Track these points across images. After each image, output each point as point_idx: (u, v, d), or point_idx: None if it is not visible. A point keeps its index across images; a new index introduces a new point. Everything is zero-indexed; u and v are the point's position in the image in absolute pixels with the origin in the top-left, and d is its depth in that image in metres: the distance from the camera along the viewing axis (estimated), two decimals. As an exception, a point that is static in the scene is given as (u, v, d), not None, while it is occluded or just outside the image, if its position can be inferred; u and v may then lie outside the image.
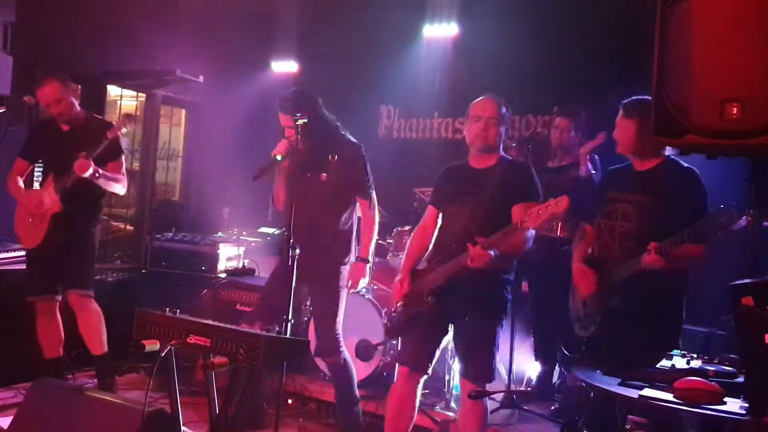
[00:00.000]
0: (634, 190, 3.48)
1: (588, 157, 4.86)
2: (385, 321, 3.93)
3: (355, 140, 4.21)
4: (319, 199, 4.08)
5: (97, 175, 4.51)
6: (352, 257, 4.24)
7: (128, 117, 4.84)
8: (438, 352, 3.77)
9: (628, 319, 3.37)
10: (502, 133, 3.70)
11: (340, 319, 4.17)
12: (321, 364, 4.86)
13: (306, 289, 4.27)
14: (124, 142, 4.92)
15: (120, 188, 4.78)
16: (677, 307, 3.45)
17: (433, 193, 3.94)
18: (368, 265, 4.23)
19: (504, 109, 3.70)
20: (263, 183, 4.65)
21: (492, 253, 3.32)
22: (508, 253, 3.45)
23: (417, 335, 3.75)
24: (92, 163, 4.45)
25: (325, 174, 4.09)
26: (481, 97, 3.74)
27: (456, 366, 4.57)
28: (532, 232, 3.47)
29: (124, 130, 4.64)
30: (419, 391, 3.79)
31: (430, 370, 3.76)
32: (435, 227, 3.85)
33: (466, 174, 3.75)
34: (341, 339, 4.18)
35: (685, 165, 3.42)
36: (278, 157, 3.91)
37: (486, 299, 3.59)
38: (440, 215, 3.84)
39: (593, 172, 4.83)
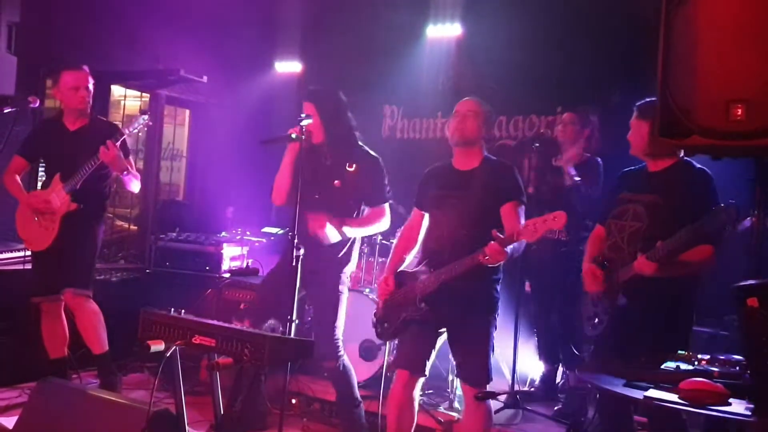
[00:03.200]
0: (646, 191, 3.47)
1: (574, 164, 4.86)
2: (374, 323, 3.92)
3: (374, 153, 4.19)
4: (327, 205, 4.07)
5: (127, 170, 4.56)
6: (352, 265, 4.22)
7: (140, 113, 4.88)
8: (434, 354, 3.77)
9: (634, 319, 3.38)
10: (482, 129, 3.71)
11: (339, 323, 4.14)
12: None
13: (304, 291, 4.26)
14: (128, 142, 4.93)
15: (138, 184, 4.80)
16: (686, 308, 3.42)
17: (417, 194, 3.94)
18: (340, 229, 4.02)
19: (485, 108, 3.73)
20: (267, 183, 4.65)
21: (508, 250, 3.32)
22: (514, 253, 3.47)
23: (411, 339, 3.76)
24: (118, 149, 4.47)
25: (339, 181, 4.08)
26: None
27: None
28: None
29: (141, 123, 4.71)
30: (417, 393, 3.80)
31: (427, 372, 3.76)
32: (420, 228, 3.86)
33: (450, 176, 3.76)
34: (340, 344, 4.15)
35: (698, 166, 3.40)
36: (293, 135, 3.89)
37: (476, 300, 3.60)
38: (426, 217, 3.85)
39: (577, 179, 4.83)
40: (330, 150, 4.12)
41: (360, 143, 4.20)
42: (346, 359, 4.20)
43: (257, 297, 4.47)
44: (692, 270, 3.29)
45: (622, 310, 3.44)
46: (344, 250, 4.15)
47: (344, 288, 4.17)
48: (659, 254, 3.19)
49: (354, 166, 4.09)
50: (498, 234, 3.29)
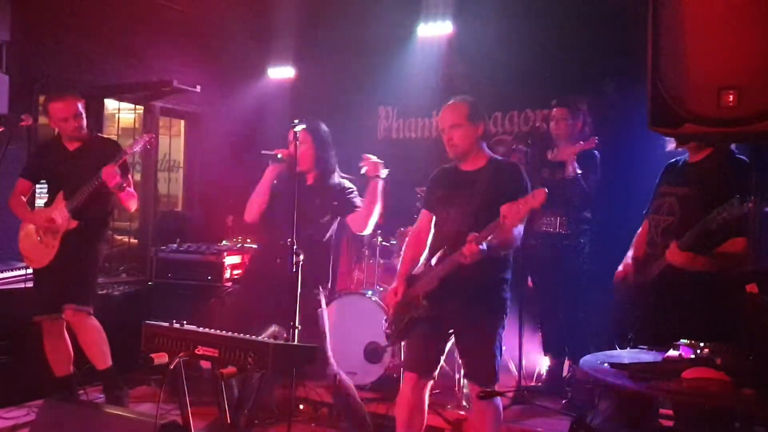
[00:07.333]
0: (682, 183, 3.40)
1: (576, 156, 4.85)
2: (385, 328, 3.88)
3: (347, 177, 4.33)
4: (305, 222, 4.01)
5: (125, 186, 4.56)
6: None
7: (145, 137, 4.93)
8: (443, 357, 3.73)
9: (666, 314, 3.31)
10: (474, 133, 3.65)
11: (327, 334, 4.18)
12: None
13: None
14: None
15: (134, 203, 4.82)
16: (718, 300, 3.15)
17: (425, 196, 3.92)
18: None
19: (468, 106, 3.68)
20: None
21: (483, 247, 3.28)
22: (499, 247, 3.41)
23: (419, 341, 3.72)
24: (119, 169, 4.51)
25: (320, 200, 4.19)
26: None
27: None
28: (520, 227, 3.45)
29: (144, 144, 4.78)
30: (427, 396, 3.76)
31: (436, 375, 3.72)
32: (429, 231, 3.82)
33: (455, 177, 3.74)
34: (330, 356, 4.17)
35: (736, 155, 3.30)
36: (279, 156, 4.06)
37: (484, 300, 3.56)
38: (434, 218, 3.83)
39: (579, 172, 4.82)
40: (313, 176, 4.27)
41: (339, 173, 4.34)
42: (337, 368, 4.21)
43: (233, 306, 4.48)
44: (732, 262, 3.07)
45: (654, 306, 3.37)
46: (323, 268, 4.27)
47: (321, 304, 4.22)
48: (687, 243, 3.12)
49: (333, 190, 4.26)
50: (474, 234, 3.27)
